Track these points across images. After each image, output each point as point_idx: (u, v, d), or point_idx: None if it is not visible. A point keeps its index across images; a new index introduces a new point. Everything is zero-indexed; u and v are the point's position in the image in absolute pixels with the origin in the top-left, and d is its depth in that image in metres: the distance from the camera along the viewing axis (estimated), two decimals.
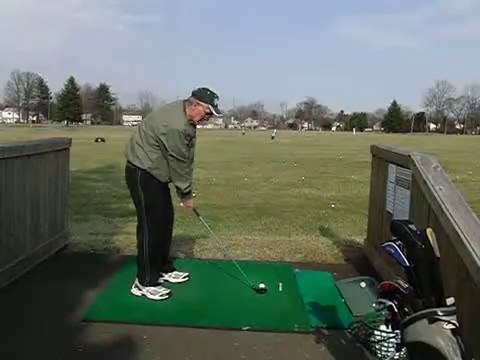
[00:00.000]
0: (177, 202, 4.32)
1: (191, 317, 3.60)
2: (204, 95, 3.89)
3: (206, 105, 3.86)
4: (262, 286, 4.12)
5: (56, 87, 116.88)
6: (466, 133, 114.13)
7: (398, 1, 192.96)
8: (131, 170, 3.96)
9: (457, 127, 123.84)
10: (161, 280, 4.24)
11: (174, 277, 4.31)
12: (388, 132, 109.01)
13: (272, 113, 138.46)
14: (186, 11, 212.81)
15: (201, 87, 3.96)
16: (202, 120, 3.98)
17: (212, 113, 3.90)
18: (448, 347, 1.95)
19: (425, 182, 3.33)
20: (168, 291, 3.95)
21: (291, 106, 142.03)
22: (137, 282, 3.99)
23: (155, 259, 4.00)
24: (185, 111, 3.88)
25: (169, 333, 3.34)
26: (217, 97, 3.91)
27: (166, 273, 4.31)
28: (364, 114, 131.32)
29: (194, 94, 3.91)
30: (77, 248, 5.33)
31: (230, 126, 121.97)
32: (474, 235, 2.59)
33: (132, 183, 3.98)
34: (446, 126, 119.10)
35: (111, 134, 43.26)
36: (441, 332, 1.98)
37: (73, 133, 38.26)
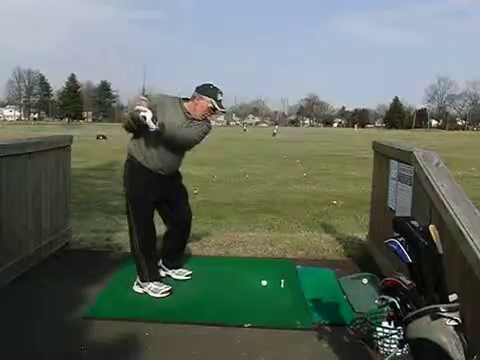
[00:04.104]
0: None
1: (193, 314, 3.60)
2: (207, 90, 3.86)
3: (209, 99, 3.82)
4: None
5: (57, 85, 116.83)
6: (468, 129, 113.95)
7: None
8: (125, 162, 3.97)
9: (459, 123, 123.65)
10: (163, 274, 4.23)
11: (177, 274, 4.31)
12: (390, 128, 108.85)
13: (274, 110, 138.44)
14: (187, 8, 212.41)
15: (205, 83, 3.94)
16: (205, 115, 3.87)
17: (215, 108, 3.86)
18: (451, 344, 1.94)
19: (427, 178, 3.32)
20: (169, 288, 3.94)
21: (292, 103, 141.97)
22: (138, 279, 3.99)
23: (149, 256, 3.94)
24: (181, 104, 3.86)
25: (171, 330, 3.34)
26: (221, 92, 3.87)
27: (170, 269, 4.31)
28: (366, 110, 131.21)
29: (197, 89, 3.89)
30: (79, 245, 5.32)
31: (232, 123, 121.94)
32: (477, 231, 2.58)
33: (123, 176, 3.98)
34: (448, 122, 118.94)
35: (112, 131, 43.16)
36: (444, 329, 1.98)
37: (74, 130, 38.23)
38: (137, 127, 3.64)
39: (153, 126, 3.46)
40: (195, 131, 3.82)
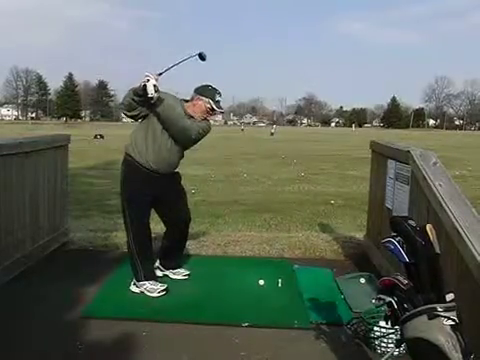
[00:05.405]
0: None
1: (190, 313, 3.60)
2: (205, 90, 3.86)
3: (207, 100, 3.82)
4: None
5: (55, 84, 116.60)
6: (465, 129, 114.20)
7: None
8: (122, 160, 3.97)
9: (456, 123, 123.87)
10: (160, 274, 4.23)
11: (175, 273, 4.30)
12: (387, 128, 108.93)
13: (271, 109, 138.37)
14: (185, 7, 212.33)
15: (203, 83, 3.94)
16: (204, 116, 3.86)
17: (213, 109, 3.85)
18: (448, 343, 1.95)
19: (424, 178, 3.32)
20: (165, 287, 3.93)
21: (290, 102, 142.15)
22: (135, 279, 3.98)
23: (145, 255, 3.93)
24: (181, 103, 3.86)
25: (168, 330, 3.34)
26: (219, 93, 3.87)
27: (167, 269, 4.30)
28: (363, 110, 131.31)
29: (196, 90, 3.89)
30: (76, 245, 5.32)
31: (229, 122, 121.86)
32: (474, 231, 2.58)
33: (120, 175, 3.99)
34: (445, 122, 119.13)
35: (110, 130, 43.27)
36: (441, 328, 1.98)
37: (72, 130, 38.24)
38: (137, 101, 3.63)
39: (152, 91, 3.48)
40: (194, 125, 3.81)
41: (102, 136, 33.85)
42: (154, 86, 3.49)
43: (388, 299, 2.16)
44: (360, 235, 5.65)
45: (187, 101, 3.92)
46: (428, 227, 2.15)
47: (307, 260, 4.95)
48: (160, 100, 3.67)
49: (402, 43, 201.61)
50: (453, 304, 2.05)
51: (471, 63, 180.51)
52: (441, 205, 2.95)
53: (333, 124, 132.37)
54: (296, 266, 4.69)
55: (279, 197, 9.72)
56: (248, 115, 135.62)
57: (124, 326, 3.35)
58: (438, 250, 2.12)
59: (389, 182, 4.39)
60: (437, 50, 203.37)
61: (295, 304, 3.81)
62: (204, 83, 3.94)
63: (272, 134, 48.66)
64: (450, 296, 2.07)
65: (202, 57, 3.80)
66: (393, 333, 2.71)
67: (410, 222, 2.20)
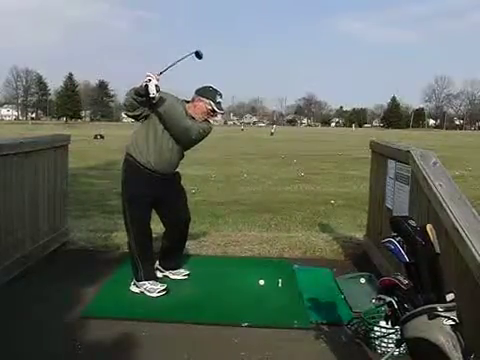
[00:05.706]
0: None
1: (190, 313, 3.60)
2: (206, 92, 3.86)
3: (208, 101, 3.82)
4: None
5: (55, 84, 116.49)
6: (465, 129, 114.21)
7: None
8: (123, 161, 3.97)
9: (456, 123, 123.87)
10: (160, 275, 4.22)
11: (174, 274, 4.30)
12: (387, 128, 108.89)
13: (271, 109, 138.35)
14: (185, 6, 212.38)
15: (204, 85, 3.94)
16: (204, 117, 3.87)
17: (214, 110, 3.86)
18: (448, 343, 1.94)
19: (425, 178, 3.32)
20: (164, 287, 3.93)
21: (290, 102, 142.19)
22: (135, 279, 3.98)
23: (145, 256, 3.93)
24: (182, 104, 3.86)
25: (168, 330, 3.34)
26: (220, 94, 3.87)
27: (167, 270, 4.30)
28: (363, 110, 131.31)
29: (197, 91, 3.90)
30: (76, 245, 5.31)
31: (229, 122, 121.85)
32: (474, 231, 2.58)
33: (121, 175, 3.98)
34: (445, 122, 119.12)
35: (110, 131, 43.22)
36: (441, 328, 1.98)
37: (72, 130, 38.18)
38: (139, 101, 3.64)
39: (154, 91, 3.52)
40: (195, 125, 3.82)
41: (102, 136, 33.86)
42: (156, 86, 3.52)
43: (388, 299, 2.16)
44: (360, 235, 5.64)
45: (188, 102, 3.92)
46: (428, 227, 2.15)
47: (307, 260, 4.95)
48: (162, 100, 3.69)
49: (402, 43, 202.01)
50: (453, 304, 2.05)
51: (471, 63, 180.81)
52: (441, 205, 2.95)
53: (333, 124, 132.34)
54: (296, 266, 4.69)
55: (279, 197, 9.71)
56: (248, 115, 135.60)
57: (124, 326, 3.35)
58: (438, 250, 2.12)
59: (389, 182, 4.39)
60: (437, 50, 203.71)
61: (295, 304, 3.81)
62: (205, 84, 3.94)
63: (272, 134, 48.64)
64: (450, 296, 2.07)
65: (199, 55, 3.82)
66: (393, 333, 2.71)
67: (410, 222, 2.19)
